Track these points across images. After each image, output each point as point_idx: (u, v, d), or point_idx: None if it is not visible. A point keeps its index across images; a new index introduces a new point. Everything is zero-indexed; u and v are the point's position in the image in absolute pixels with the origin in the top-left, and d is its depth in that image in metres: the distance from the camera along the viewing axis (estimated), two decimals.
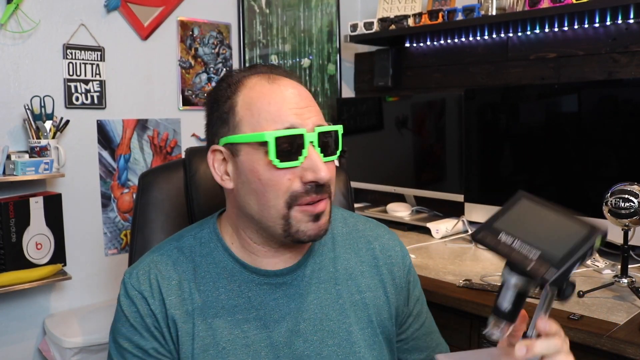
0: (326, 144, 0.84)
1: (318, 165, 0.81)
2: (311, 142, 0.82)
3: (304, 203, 0.82)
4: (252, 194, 0.84)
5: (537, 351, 0.72)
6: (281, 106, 0.83)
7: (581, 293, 1.40)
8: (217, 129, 0.88)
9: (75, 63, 1.97)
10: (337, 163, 0.94)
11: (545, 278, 0.65)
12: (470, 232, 2.01)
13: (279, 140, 0.80)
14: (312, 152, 0.82)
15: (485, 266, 1.69)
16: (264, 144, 0.81)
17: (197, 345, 0.85)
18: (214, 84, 2.02)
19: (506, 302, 0.72)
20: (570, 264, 0.65)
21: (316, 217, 0.84)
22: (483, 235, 0.72)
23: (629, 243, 1.40)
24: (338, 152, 0.87)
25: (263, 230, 0.87)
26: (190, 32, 2.26)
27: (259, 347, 0.86)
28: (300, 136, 0.81)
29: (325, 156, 0.83)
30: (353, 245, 0.98)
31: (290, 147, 0.81)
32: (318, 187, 0.82)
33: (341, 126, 0.88)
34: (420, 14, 2.24)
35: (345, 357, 0.89)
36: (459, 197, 2.10)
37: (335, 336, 0.90)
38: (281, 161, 0.80)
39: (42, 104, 1.85)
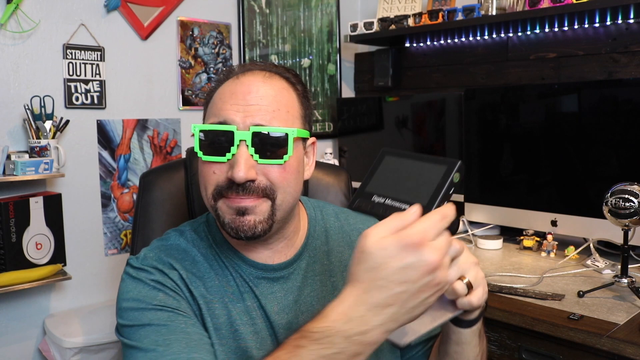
0: (265, 145, 0.82)
1: (237, 163, 0.80)
2: (243, 140, 0.81)
3: (228, 197, 0.82)
4: (199, 183, 0.88)
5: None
6: (225, 101, 0.84)
7: (581, 293, 1.40)
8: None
9: (75, 63, 1.97)
10: (337, 162, 0.94)
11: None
12: (470, 232, 2.01)
13: (203, 133, 0.82)
14: (240, 151, 0.81)
15: (485, 266, 1.69)
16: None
17: (212, 321, 0.85)
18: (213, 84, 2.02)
19: None
20: (436, 207, 0.66)
21: (240, 212, 0.82)
22: (358, 204, 0.73)
23: (629, 243, 1.40)
24: (285, 157, 0.82)
25: None
26: (190, 32, 2.26)
27: (265, 335, 0.87)
28: (230, 132, 0.81)
29: (261, 157, 0.81)
30: (346, 237, 0.99)
31: (215, 142, 0.82)
32: (242, 186, 0.81)
33: (292, 130, 0.83)
34: (420, 14, 2.24)
35: None
36: (459, 197, 2.10)
37: None
38: (204, 154, 0.83)
39: (42, 104, 1.85)
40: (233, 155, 0.81)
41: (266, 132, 0.81)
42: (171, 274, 0.85)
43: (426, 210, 0.65)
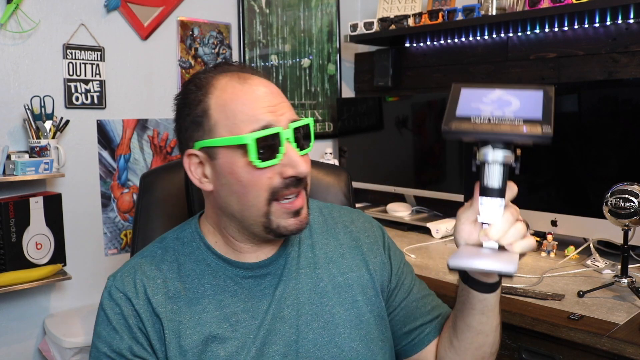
0: (300, 138, 0.87)
1: (296, 160, 0.84)
2: (287, 138, 0.84)
3: (283, 197, 0.85)
4: (232, 195, 0.86)
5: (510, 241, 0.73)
6: (255, 106, 0.84)
7: (581, 293, 1.40)
8: (190, 132, 0.88)
9: (75, 63, 1.97)
10: (337, 162, 0.96)
11: (546, 134, 0.63)
12: None
13: (258, 141, 0.82)
14: (289, 149, 0.84)
15: None
16: (243, 146, 0.82)
17: (185, 342, 0.86)
18: None
19: (497, 180, 0.70)
20: (552, 117, 0.64)
21: (295, 213, 0.87)
22: (456, 126, 0.67)
23: (629, 243, 1.40)
24: (311, 145, 0.89)
25: (245, 229, 0.89)
26: (190, 32, 2.26)
27: (247, 338, 0.88)
28: (277, 134, 0.83)
29: (300, 150, 0.86)
30: (330, 231, 1.01)
31: (268, 146, 0.83)
32: (297, 181, 0.85)
33: (312, 119, 0.90)
34: (420, 14, 2.24)
35: (331, 338, 0.91)
36: (459, 197, 2.10)
37: (318, 319, 0.91)
38: (262, 161, 0.82)
39: (42, 104, 1.85)
40: (283, 154, 0.83)
41: (301, 125, 0.87)
42: (139, 304, 0.87)
43: (546, 125, 0.63)
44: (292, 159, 0.84)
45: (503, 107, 0.67)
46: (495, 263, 0.70)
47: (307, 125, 0.88)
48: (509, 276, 0.69)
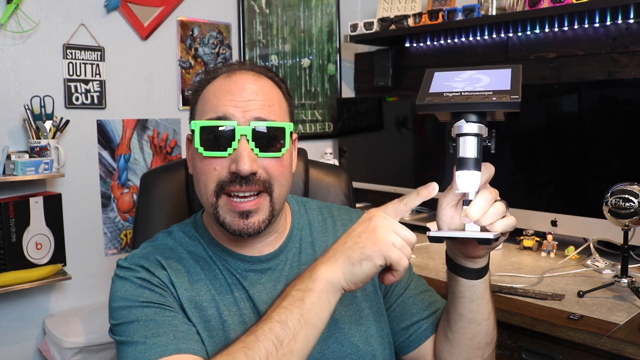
0: (264, 139, 0.85)
1: (241, 156, 0.82)
2: (243, 134, 0.83)
3: (233, 194, 0.84)
4: (195, 182, 0.90)
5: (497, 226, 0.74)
6: (221, 97, 0.86)
7: (581, 293, 1.40)
8: (190, 118, 0.93)
9: (75, 63, 1.97)
10: (337, 162, 0.96)
11: (514, 100, 0.66)
12: None
13: (203, 129, 0.84)
14: (241, 145, 0.83)
15: None
16: (193, 132, 0.85)
17: (199, 314, 0.86)
18: None
19: (471, 151, 0.73)
20: (520, 88, 0.67)
21: (243, 215, 0.85)
22: (429, 100, 0.71)
23: (629, 243, 1.40)
24: (283, 150, 0.86)
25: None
26: (190, 32, 2.26)
27: (252, 324, 0.87)
28: (231, 128, 0.83)
29: (261, 151, 0.84)
30: (330, 229, 1.02)
31: (217, 138, 0.83)
32: (243, 180, 0.84)
33: (289, 124, 0.87)
34: (420, 14, 2.24)
35: (330, 334, 0.91)
36: None
37: None
38: (206, 150, 0.84)
39: (42, 104, 1.85)
40: (234, 150, 0.83)
41: (265, 127, 0.85)
42: (157, 272, 0.87)
43: (513, 90, 0.66)
44: (238, 155, 0.83)
45: (474, 84, 0.71)
46: (474, 233, 0.73)
47: (281, 130, 0.86)
48: (488, 243, 0.72)
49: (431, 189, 0.75)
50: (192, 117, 0.92)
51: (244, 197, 0.85)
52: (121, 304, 0.84)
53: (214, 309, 0.87)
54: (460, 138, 0.73)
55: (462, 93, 0.69)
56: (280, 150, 0.86)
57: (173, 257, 0.91)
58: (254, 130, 0.83)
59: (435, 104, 0.70)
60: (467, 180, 0.74)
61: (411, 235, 0.75)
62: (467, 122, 0.72)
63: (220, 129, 0.83)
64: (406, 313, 1.00)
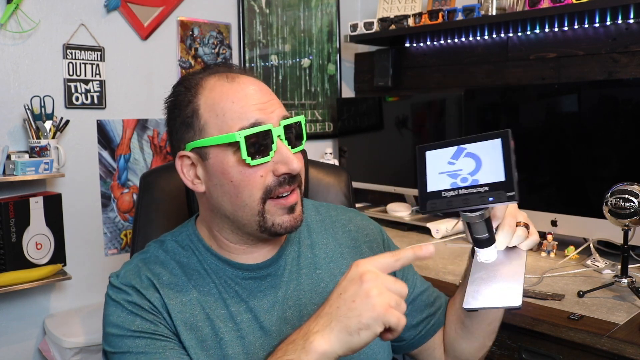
0: (292, 135, 0.87)
1: (289, 157, 0.83)
2: (278, 135, 0.84)
3: (277, 195, 0.84)
4: (224, 196, 0.85)
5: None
6: (244, 103, 0.84)
7: (581, 293, 1.40)
8: (181, 134, 0.88)
9: (75, 63, 1.97)
10: (337, 162, 0.96)
11: (513, 198, 0.69)
12: None
13: (248, 138, 0.81)
14: (280, 146, 0.84)
15: None
16: (234, 144, 0.82)
17: (194, 335, 0.85)
18: None
19: (482, 232, 0.78)
20: (514, 171, 0.69)
21: (290, 209, 0.86)
22: (431, 206, 0.73)
23: (629, 243, 1.40)
24: (304, 142, 0.89)
25: (238, 229, 0.88)
26: (190, 32, 2.26)
27: (252, 338, 0.87)
28: (268, 132, 0.83)
29: (292, 147, 0.86)
30: (329, 230, 1.01)
31: (259, 144, 0.82)
32: (291, 178, 0.85)
33: (303, 117, 0.90)
34: (420, 14, 2.24)
35: None
36: None
37: None
38: (253, 159, 0.82)
39: (42, 104, 1.85)
40: (275, 152, 0.83)
41: (292, 123, 0.86)
42: (149, 294, 0.85)
43: (508, 183, 0.68)
44: (284, 156, 0.83)
45: (467, 171, 0.72)
46: (503, 302, 0.78)
47: (299, 123, 0.88)
48: (517, 308, 0.77)
49: (428, 254, 0.73)
50: (195, 135, 0.85)
51: (285, 194, 0.86)
52: (113, 331, 0.84)
53: (209, 327, 0.86)
54: (471, 224, 0.77)
55: (460, 192, 0.71)
56: (302, 143, 0.89)
57: (164, 274, 0.88)
58: (285, 129, 0.84)
59: (438, 209, 0.73)
60: (487, 254, 0.81)
61: (403, 289, 0.72)
62: (471, 212, 0.75)
63: (261, 134, 0.82)
64: (415, 311, 1.02)
